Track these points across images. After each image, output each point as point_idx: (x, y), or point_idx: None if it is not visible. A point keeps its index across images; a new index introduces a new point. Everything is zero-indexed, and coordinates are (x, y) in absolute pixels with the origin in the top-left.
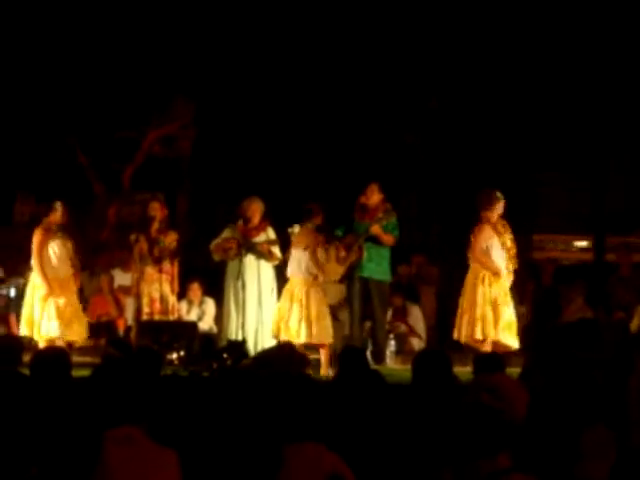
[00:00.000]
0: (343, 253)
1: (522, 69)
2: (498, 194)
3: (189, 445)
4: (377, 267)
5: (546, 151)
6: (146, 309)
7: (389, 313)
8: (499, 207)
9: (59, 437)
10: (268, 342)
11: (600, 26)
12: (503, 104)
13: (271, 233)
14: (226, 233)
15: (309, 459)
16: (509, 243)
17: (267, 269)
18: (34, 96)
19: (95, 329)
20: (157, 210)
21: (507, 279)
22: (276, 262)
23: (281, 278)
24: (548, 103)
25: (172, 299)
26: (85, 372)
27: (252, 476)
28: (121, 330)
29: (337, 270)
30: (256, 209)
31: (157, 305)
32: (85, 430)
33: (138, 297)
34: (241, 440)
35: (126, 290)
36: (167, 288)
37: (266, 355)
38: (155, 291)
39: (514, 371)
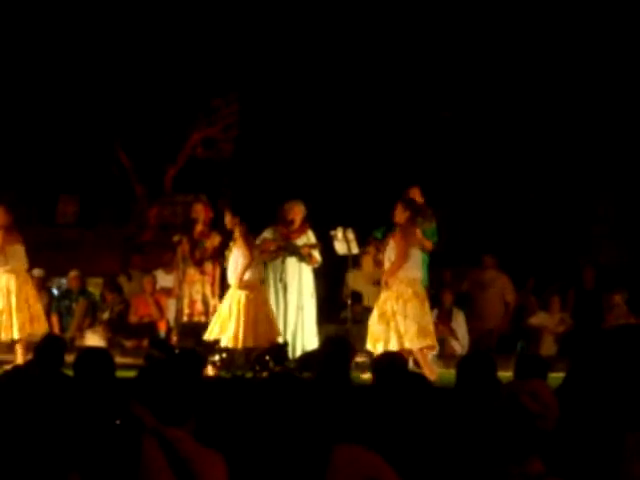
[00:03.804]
0: (381, 256)
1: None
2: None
3: (233, 448)
4: None
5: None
6: (186, 310)
7: (434, 315)
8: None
9: (103, 439)
10: (308, 345)
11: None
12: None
13: (311, 236)
14: (266, 234)
15: (348, 460)
16: None
17: (308, 272)
18: (77, 98)
19: (137, 330)
20: (200, 212)
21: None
22: (316, 265)
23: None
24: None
25: (213, 301)
26: (126, 373)
27: (301, 478)
28: (162, 331)
29: (375, 272)
30: (298, 212)
31: (198, 306)
32: (130, 432)
33: (179, 299)
34: (286, 442)
35: (168, 291)
36: (208, 290)
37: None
38: (196, 293)
39: (556, 376)
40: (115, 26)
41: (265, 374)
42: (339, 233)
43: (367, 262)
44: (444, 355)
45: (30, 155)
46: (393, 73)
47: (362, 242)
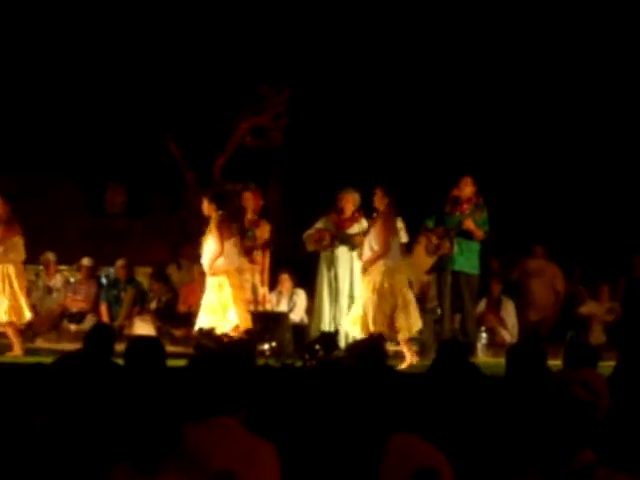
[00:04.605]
0: (433, 244)
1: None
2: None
3: (285, 437)
4: (467, 261)
5: None
6: None
7: (483, 304)
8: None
9: (154, 427)
10: (359, 334)
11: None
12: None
13: (365, 224)
14: (319, 224)
15: (403, 449)
16: None
17: (360, 261)
18: (126, 87)
19: (186, 319)
20: (249, 200)
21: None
22: None
23: None
24: None
25: (262, 290)
26: (176, 362)
27: (354, 468)
28: None
29: (426, 261)
30: (349, 200)
31: (247, 295)
32: (181, 421)
33: None
34: (338, 432)
35: None
36: (257, 279)
37: (357, 347)
38: (245, 281)
39: (605, 365)
40: (164, 15)
41: (314, 363)
42: None
43: (418, 251)
44: (494, 344)
45: (78, 144)
46: (446, 60)
47: (412, 231)
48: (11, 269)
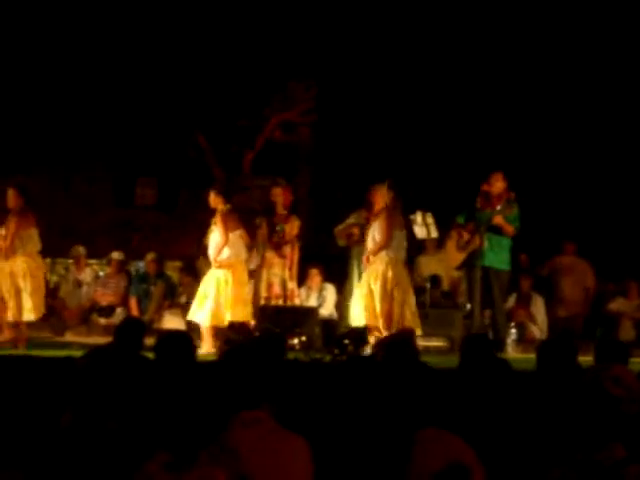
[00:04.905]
0: (464, 240)
1: None
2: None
3: (313, 432)
4: (497, 256)
5: None
6: (264, 294)
7: (512, 299)
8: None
9: (185, 421)
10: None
11: None
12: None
13: None
14: (351, 219)
15: (432, 444)
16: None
17: None
18: (156, 82)
19: None
20: (279, 196)
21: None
22: None
23: None
24: None
25: (291, 284)
26: (205, 356)
27: (383, 462)
28: None
29: (456, 257)
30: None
31: (275, 289)
32: (211, 414)
33: (257, 281)
34: (368, 426)
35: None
36: (286, 273)
37: (386, 342)
38: (274, 276)
39: (635, 361)
40: (195, 10)
41: (344, 358)
42: (418, 217)
43: (450, 247)
44: (523, 340)
45: (109, 138)
46: (479, 56)
47: (442, 226)
48: (32, 264)
